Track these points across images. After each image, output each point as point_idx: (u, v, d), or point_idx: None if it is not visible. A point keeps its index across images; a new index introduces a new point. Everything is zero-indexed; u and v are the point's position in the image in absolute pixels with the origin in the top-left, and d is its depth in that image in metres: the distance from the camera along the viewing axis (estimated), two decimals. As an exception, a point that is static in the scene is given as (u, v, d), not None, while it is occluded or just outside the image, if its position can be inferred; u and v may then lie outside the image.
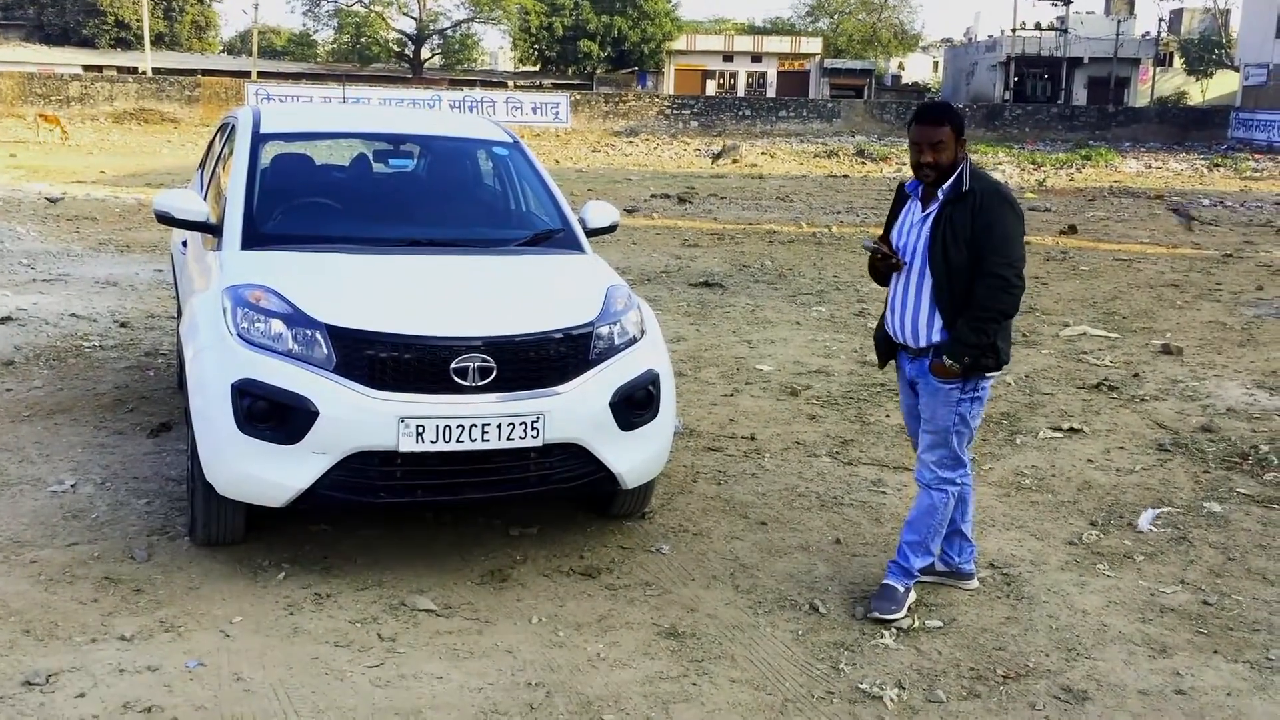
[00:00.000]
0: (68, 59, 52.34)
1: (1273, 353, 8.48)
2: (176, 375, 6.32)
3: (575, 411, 4.18)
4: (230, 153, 5.41)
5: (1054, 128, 44.18)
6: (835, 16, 69.52)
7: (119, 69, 50.52)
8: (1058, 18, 56.13)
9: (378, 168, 6.04)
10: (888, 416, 6.50)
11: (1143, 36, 58.18)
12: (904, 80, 71.09)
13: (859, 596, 4.18)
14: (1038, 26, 57.43)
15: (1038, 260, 12.97)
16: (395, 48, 60.69)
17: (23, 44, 56.21)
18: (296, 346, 4.02)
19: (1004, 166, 28.23)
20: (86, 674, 3.44)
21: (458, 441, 4.00)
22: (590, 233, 5.30)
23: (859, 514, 5.04)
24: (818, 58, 61.40)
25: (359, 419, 3.94)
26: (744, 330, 8.90)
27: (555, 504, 4.88)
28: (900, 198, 4.16)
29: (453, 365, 4.02)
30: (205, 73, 47.18)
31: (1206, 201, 20.87)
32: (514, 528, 4.69)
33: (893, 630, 3.94)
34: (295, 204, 5.24)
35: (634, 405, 4.36)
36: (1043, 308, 10.07)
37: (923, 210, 4.01)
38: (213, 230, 4.87)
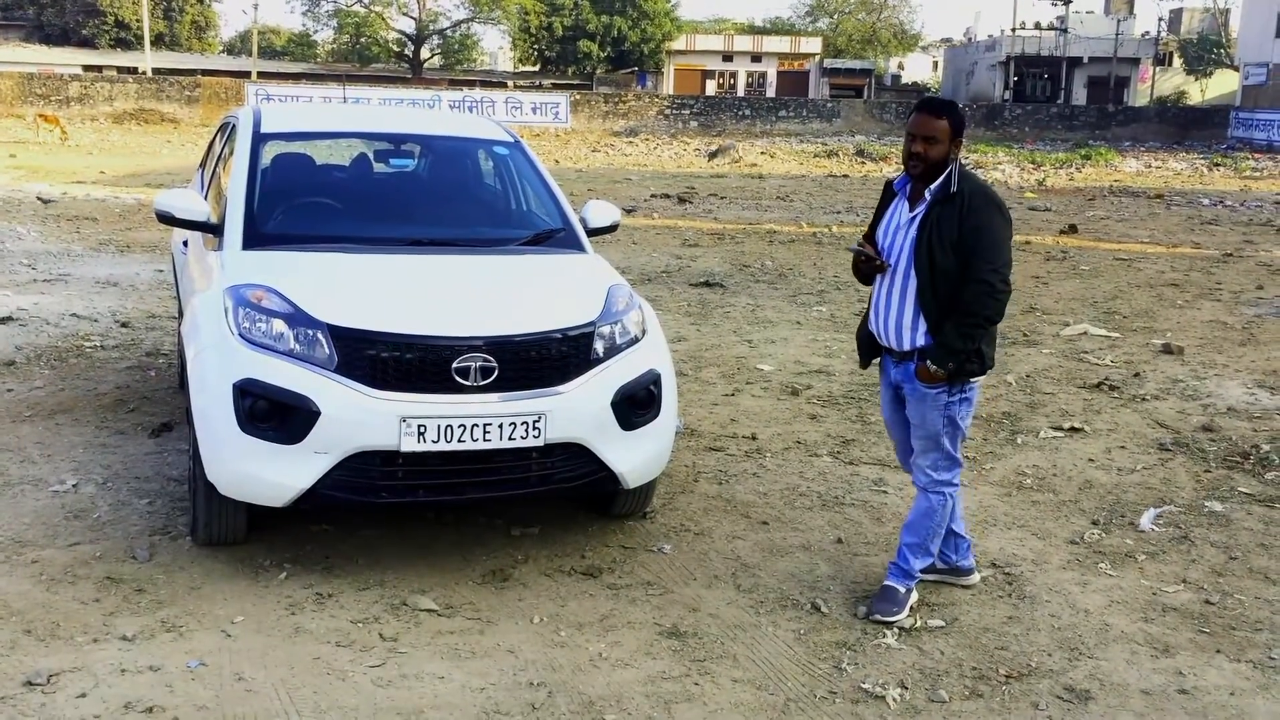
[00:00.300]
0: (67, 59, 52.36)
1: (1273, 352, 8.47)
2: (178, 375, 6.31)
3: (577, 411, 4.18)
4: (231, 153, 5.41)
5: (1054, 127, 44.18)
6: (835, 16, 69.55)
7: (119, 69, 50.53)
8: (1057, 17, 56.13)
9: (378, 167, 6.04)
10: (889, 416, 6.49)
11: (1142, 36, 58.18)
12: (904, 80, 71.08)
13: (861, 596, 4.18)
14: (1037, 26, 57.45)
15: (1038, 259, 12.97)
16: (395, 48, 60.69)
17: (22, 44, 56.22)
18: (298, 346, 4.02)
19: (1004, 166, 28.23)
20: (88, 674, 3.44)
21: (459, 441, 4.00)
22: (591, 232, 5.29)
23: (860, 513, 5.04)
24: (817, 57, 61.42)
25: (360, 419, 3.93)
26: (745, 330, 8.90)
27: (556, 504, 4.87)
28: (888, 195, 4.09)
29: (454, 365, 4.02)
30: (205, 73, 47.18)
31: (1207, 201, 20.88)
32: (515, 527, 4.68)
33: (895, 630, 3.94)
34: (296, 204, 5.24)
35: (635, 405, 4.35)
36: (1043, 307, 10.07)
37: (910, 210, 3.94)
38: (214, 230, 4.87)
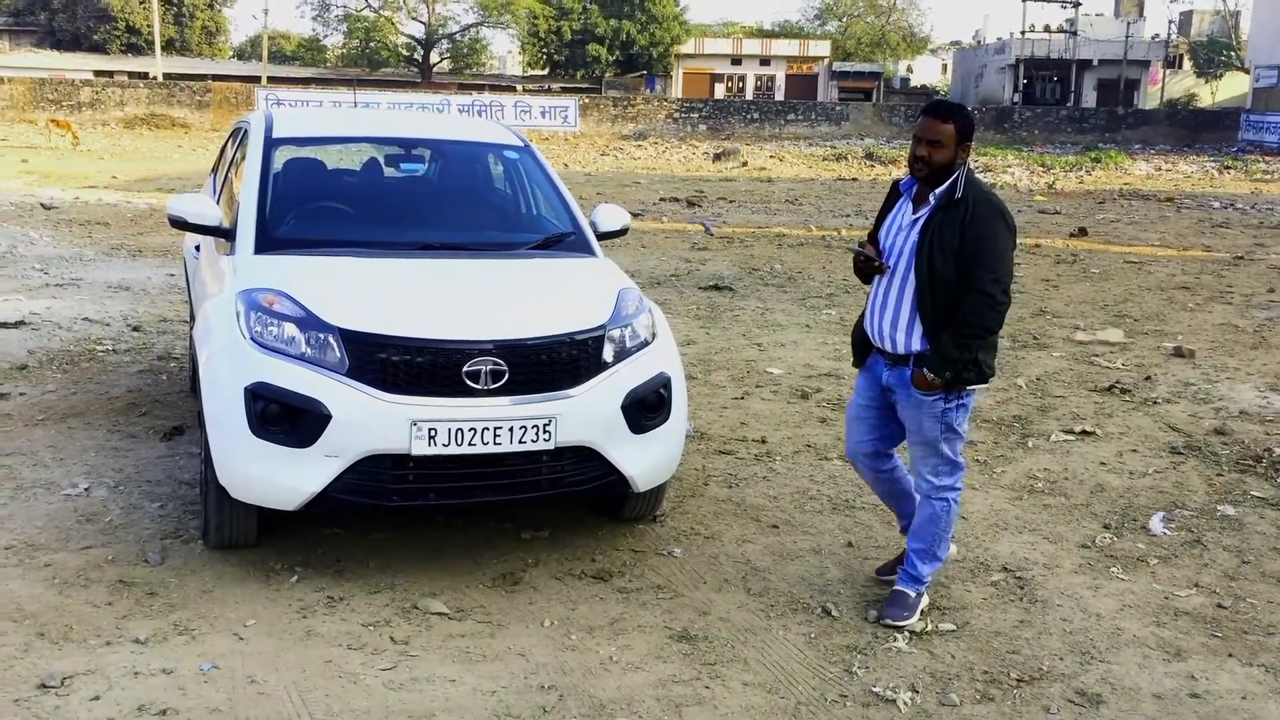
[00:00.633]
0: (79, 64, 52.58)
1: (1285, 355, 8.44)
2: (189, 379, 6.34)
3: (587, 414, 4.18)
4: (243, 157, 5.43)
5: (1063, 130, 44.07)
6: (844, 19, 69.47)
7: (130, 74, 50.71)
8: (1067, 20, 56.04)
9: (389, 172, 6.06)
10: (899, 419, 6.48)
11: (1152, 38, 58.01)
12: (913, 83, 70.94)
13: (871, 600, 4.18)
14: (1047, 29, 57.32)
15: (1048, 262, 12.95)
16: (404, 52, 60.84)
17: (34, 50, 56.52)
18: (309, 350, 4.03)
19: (1013, 169, 28.18)
20: (101, 677, 3.46)
21: (470, 445, 4.01)
22: (601, 236, 5.30)
23: (871, 517, 5.03)
24: (826, 61, 61.36)
25: (371, 422, 3.94)
26: (754, 333, 8.90)
27: (567, 507, 4.88)
28: (893, 195, 4.06)
29: (465, 368, 4.03)
30: (216, 78, 47.35)
31: (1217, 204, 20.81)
32: (525, 531, 4.69)
33: (905, 634, 3.93)
34: (308, 208, 5.25)
35: (645, 408, 4.36)
36: (1053, 310, 10.05)
37: (913, 212, 3.91)
38: (226, 235, 4.89)
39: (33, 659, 3.54)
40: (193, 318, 5.82)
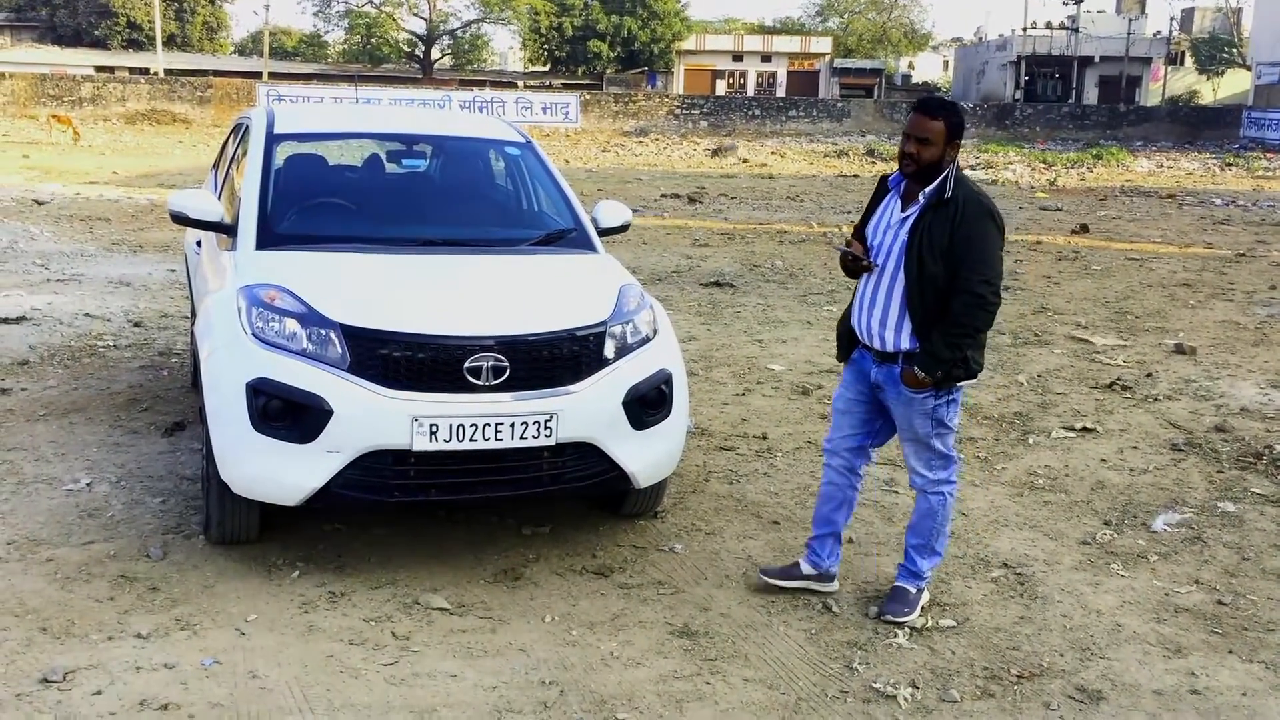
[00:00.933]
0: (80, 60, 52.59)
1: (1286, 352, 8.44)
2: (190, 374, 6.35)
3: (588, 411, 4.18)
4: (244, 153, 5.44)
5: (1065, 127, 44.04)
6: (845, 16, 69.45)
7: (131, 70, 50.75)
8: (1069, 17, 55.98)
9: (391, 168, 6.06)
10: (900, 416, 6.49)
11: (1154, 35, 57.98)
12: (914, 80, 70.96)
13: (872, 596, 4.18)
14: (1049, 25, 57.28)
15: (1050, 259, 12.95)
16: (405, 48, 60.83)
17: (35, 45, 56.52)
18: (311, 346, 4.04)
19: (1015, 166, 28.17)
20: (103, 671, 3.46)
21: (471, 440, 4.01)
22: (602, 232, 5.30)
23: (871, 513, 5.04)
24: (827, 57, 61.32)
25: (373, 418, 3.95)
26: (755, 330, 8.90)
27: (568, 503, 4.88)
28: (881, 191, 4.03)
29: (466, 364, 4.03)
30: (216, 73, 47.34)
31: (1219, 201, 20.80)
32: (527, 527, 4.70)
33: (906, 630, 3.94)
34: (309, 204, 5.25)
35: (647, 404, 4.36)
36: (1054, 307, 10.05)
37: (902, 210, 3.89)
38: (227, 230, 4.89)
39: (35, 654, 3.55)
40: (194, 313, 5.82)
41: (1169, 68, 57.56)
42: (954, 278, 3.75)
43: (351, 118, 7.35)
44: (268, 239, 4.71)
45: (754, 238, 14.53)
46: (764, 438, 6.08)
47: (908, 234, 3.82)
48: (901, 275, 3.83)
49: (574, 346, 4.24)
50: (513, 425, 4.04)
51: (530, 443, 4.09)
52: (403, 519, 4.69)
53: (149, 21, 53.84)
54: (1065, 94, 55.49)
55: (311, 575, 4.18)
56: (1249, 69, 49.55)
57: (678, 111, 43.52)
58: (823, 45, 62.46)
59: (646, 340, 4.49)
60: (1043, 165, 28.63)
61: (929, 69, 76.48)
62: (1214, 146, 40.04)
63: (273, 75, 50.52)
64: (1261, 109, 43.93)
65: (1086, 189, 22.86)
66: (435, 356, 4.03)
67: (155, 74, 46.37)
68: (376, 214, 5.35)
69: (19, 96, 38.20)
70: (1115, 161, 30.74)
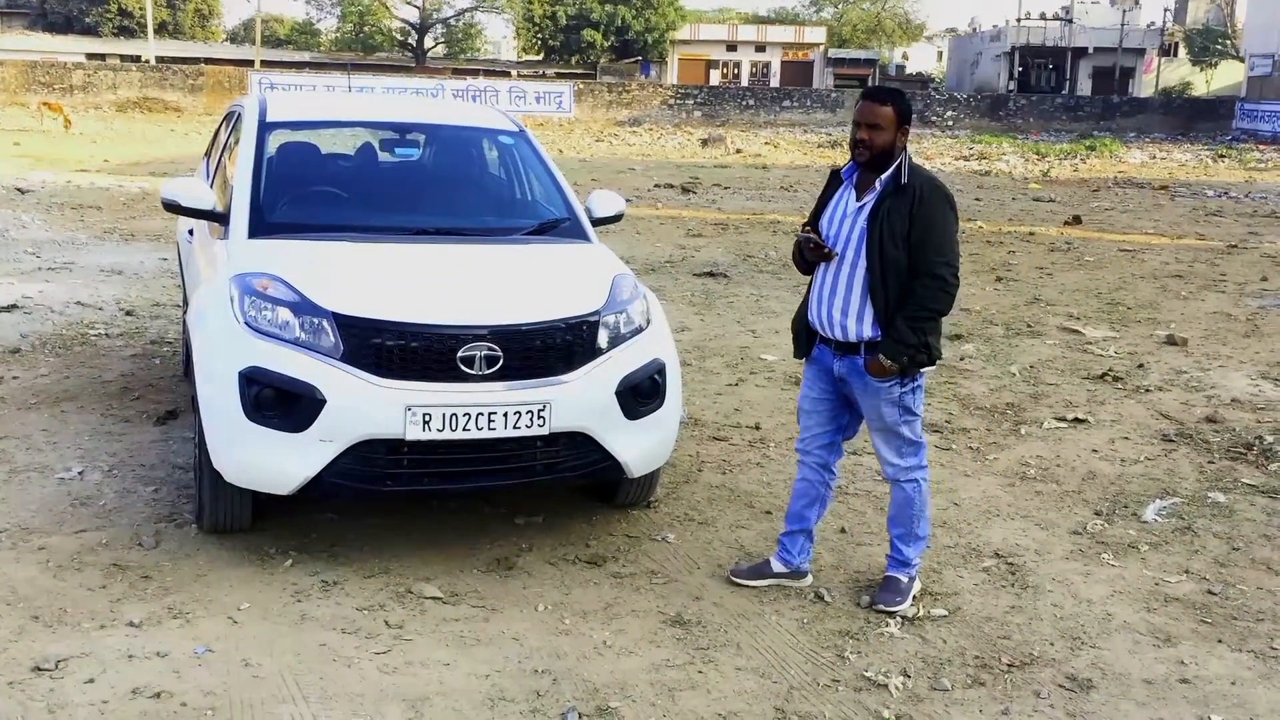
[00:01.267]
0: (71, 47, 52.32)
1: (1277, 344, 8.47)
2: (182, 363, 6.34)
3: (581, 400, 4.19)
4: (236, 141, 5.42)
5: (1058, 118, 44.05)
6: (839, 6, 69.36)
7: (122, 57, 50.46)
8: (1063, 7, 55.97)
9: (383, 156, 6.04)
10: (892, 406, 6.50)
11: (1148, 26, 58.01)
12: (908, 70, 70.88)
13: (864, 585, 4.20)
14: (1043, 16, 57.26)
15: (1042, 250, 12.96)
16: (398, 37, 60.61)
17: (26, 32, 56.21)
18: (304, 335, 4.03)
19: (1008, 157, 28.18)
20: (96, 660, 3.46)
21: (464, 430, 4.01)
22: (596, 222, 5.29)
23: (863, 503, 5.05)
24: (822, 47, 61.22)
25: (366, 407, 3.95)
26: (748, 320, 8.91)
27: (561, 493, 4.89)
28: (833, 183, 4.04)
29: (459, 354, 4.03)
30: (208, 61, 47.16)
31: (1211, 192, 20.84)
32: (520, 516, 4.70)
33: (898, 619, 3.95)
34: (302, 192, 5.24)
35: (640, 394, 4.36)
36: (1047, 298, 10.06)
37: (857, 200, 3.91)
38: (219, 219, 4.88)
39: (27, 642, 3.55)
40: (185, 302, 5.81)
41: (1162, 59, 57.58)
42: (914, 262, 3.79)
43: (344, 106, 7.35)
44: (260, 227, 4.70)
45: (747, 228, 14.52)
46: (757, 428, 6.09)
47: (867, 221, 3.84)
48: (862, 263, 3.85)
49: (567, 336, 4.24)
50: (506, 415, 4.04)
51: (523, 432, 4.09)
52: (396, 508, 4.70)
53: (140, 8, 53.55)
54: (1059, 85, 55.52)
55: (304, 564, 4.18)
56: (1242, 61, 49.57)
57: (672, 101, 43.45)
58: (817, 35, 62.36)
59: (640, 330, 4.49)
60: (1036, 156, 28.63)
61: (923, 59, 76.43)
62: (1207, 138, 40.08)
63: (265, 63, 50.30)
64: (1254, 101, 43.97)
65: (1079, 180, 22.88)
66: (428, 346, 4.03)
67: (147, 61, 46.14)
68: (369, 203, 5.35)
69: (9, 84, 38.00)
70: (1108, 153, 30.75)
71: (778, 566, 4.20)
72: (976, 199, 18.55)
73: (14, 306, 8.17)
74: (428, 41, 60.05)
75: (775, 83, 58.44)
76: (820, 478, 4.17)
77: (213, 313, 4.27)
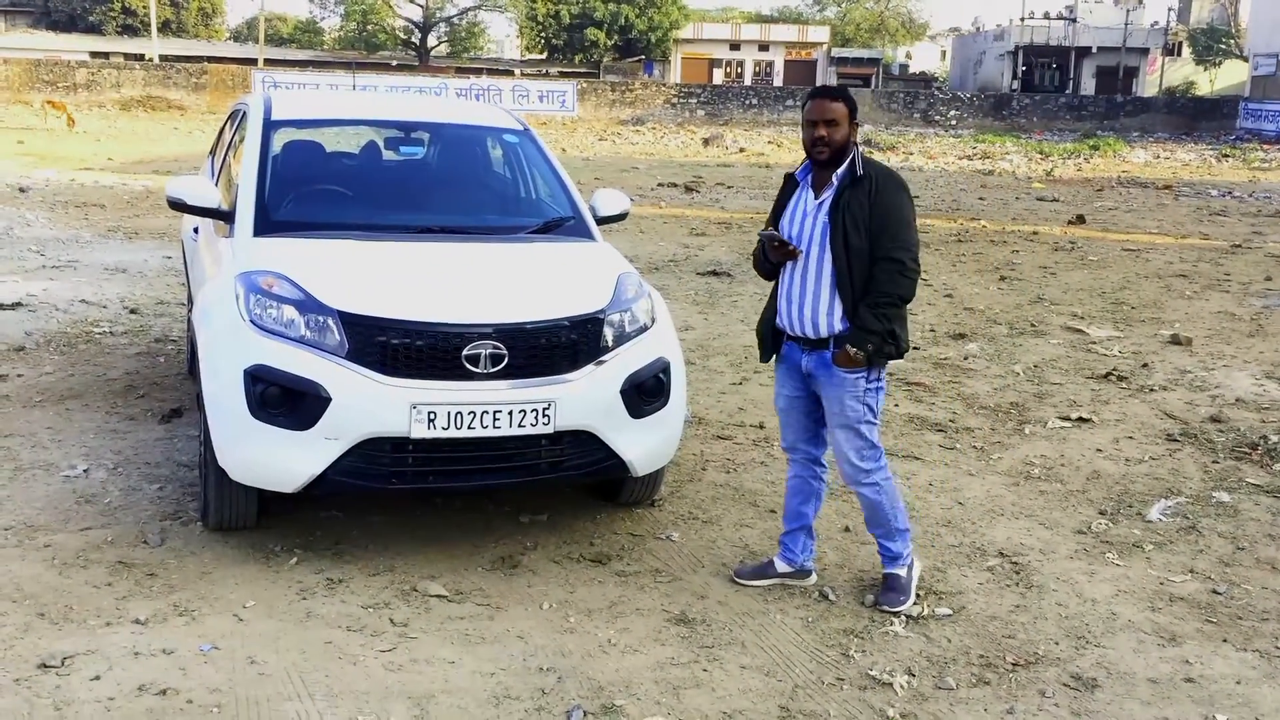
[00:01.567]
0: (75, 45, 52.40)
1: (1282, 343, 8.46)
2: (187, 361, 6.35)
3: (586, 399, 4.19)
4: (241, 140, 5.42)
5: (1062, 117, 44.03)
6: (843, 5, 69.34)
7: (126, 56, 50.55)
8: (1066, 7, 55.97)
9: (388, 155, 6.05)
10: (896, 406, 6.50)
11: (1151, 26, 57.96)
12: (911, 69, 70.86)
13: (868, 584, 4.20)
14: (1046, 16, 57.25)
15: (1046, 250, 12.96)
16: (402, 36, 60.64)
17: (30, 31, 56.30)
18: (309, 333, 4.04)
19: (1011, 156, 28.17)
20: (101, 657, 3.47)
21: (469, 428, 4.02)
22: (601, 220, 5.29)
23: (868, 502, 5.04)
24: (825, 47, 61.22)
25: (371, 405, 3.95)
26: (751, 319, 8.88)
27: (565, 491, 4.89)
28: (789, 186, 4.08)
29: (464, 352, 4.03)
30: (212, 60, 47.20)
31: (1215, 192, 20.81)
32: (524, 514, 4.70)
33: (902, 617, 3.95)
34: (306, 191, 5.24)
35: (644, 393, 4.36)
36: (1051, 298, 10.05)
37: (816, 197, 3.95)
38: (225, 217, 4.88)
39: (33, 639, 3.56)
40: (190, 300, 5.82)
41: (1166, 58, 57.53)
42: (873, 250, 3.83)
43: (349, 104, 7.35)
44: (265, 226, 4.71)
45: (751, 227, 14.51)
46: (761, 426, 6.09)
47: (829, 215, 3.88)
48: (828, 257, 3.88)
49: (572, 335, 4.24)
50: (510, 413, 4.05)
51: (528, 430, 4.09)
52: (401, 506, 4.70)
53: (144, 7, 53.63)
54: (1063, 84, 55.49)
55: (309, 562, 4.19)
56: (1246, 60, 49.54)
57: (675, 100, 43.46)
58: (820, 34, 62.35)
59: (644, 329, 4.49)
60: (1039, 156, 28.61)
61: (926, 59, 76.40)
62: (1210, 138, 40.05)
63: (268, 62, 50.33)
64: (1258, 100, 43.93)
65: (1083, 180, 22.86)
66: (433, 344, 4.03)
67: (150, 60, 46.19)
68: (374, 201, 5.35)
69: (13, 82, 38.06)
70: (1112, 152, 30.73)
71: (782, 566, 4.20)
72: (980, 198, 18.55)
73: (18, 304, 8.18)
74: (431, 40, 60.07)
75: (778, 82, 58.44)
76: (810, 472, 4.18)
77: (218, 310, 4.28)
